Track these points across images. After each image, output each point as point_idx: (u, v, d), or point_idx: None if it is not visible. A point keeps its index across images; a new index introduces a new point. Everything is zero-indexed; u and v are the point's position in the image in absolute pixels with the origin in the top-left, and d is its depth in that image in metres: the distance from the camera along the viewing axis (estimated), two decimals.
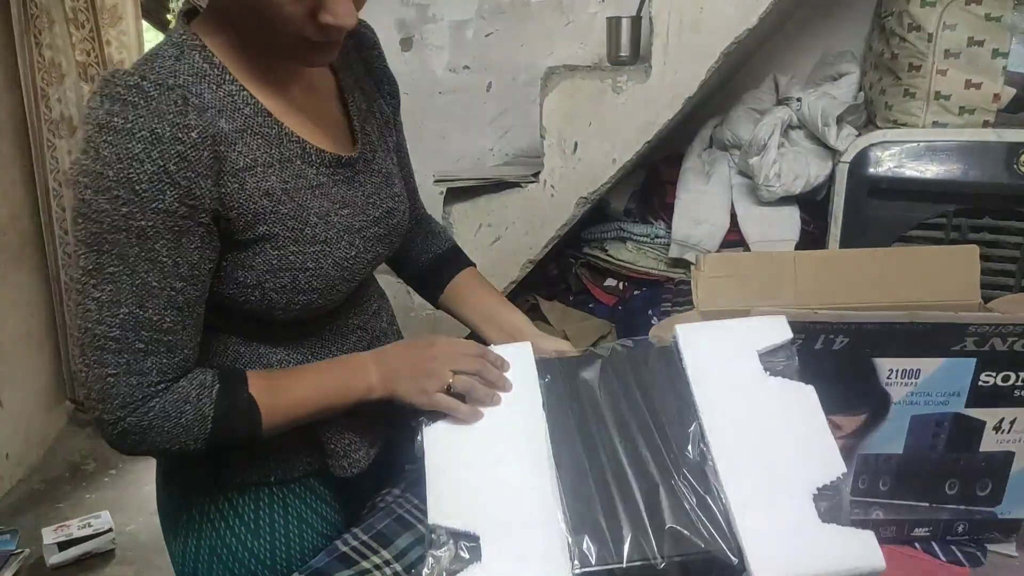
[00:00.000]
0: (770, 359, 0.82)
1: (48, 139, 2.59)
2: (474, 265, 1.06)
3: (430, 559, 0.65)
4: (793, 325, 0.91)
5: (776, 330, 0.85)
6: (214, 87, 0.71)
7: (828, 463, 0.72)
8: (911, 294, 1.04)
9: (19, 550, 2.08)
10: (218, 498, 0.84)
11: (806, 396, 0.79)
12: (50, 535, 2.05)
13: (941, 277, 1.06)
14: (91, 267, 0.66)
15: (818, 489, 0.70)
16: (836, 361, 0.93)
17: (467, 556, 0.65)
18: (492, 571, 0.64)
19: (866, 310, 0.93)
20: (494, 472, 0.72)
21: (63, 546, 2.03)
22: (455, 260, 1.04)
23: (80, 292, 0.67)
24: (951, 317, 0.90)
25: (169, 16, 2.88)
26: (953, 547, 0.95)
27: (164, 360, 0.70)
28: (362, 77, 0.90)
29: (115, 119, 0.64)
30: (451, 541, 0.66)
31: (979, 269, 1.05)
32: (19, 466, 2.54)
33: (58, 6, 2.49)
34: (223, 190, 0.70)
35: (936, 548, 0.95)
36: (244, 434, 0.74)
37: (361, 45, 0.91)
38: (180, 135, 0.65)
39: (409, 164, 1.02)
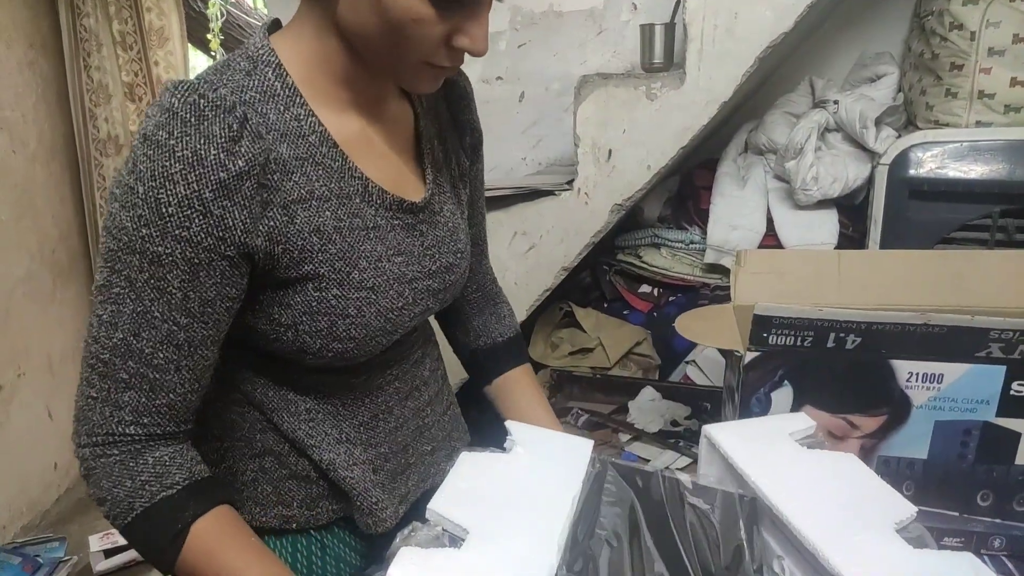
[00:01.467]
0: (804, 440, 0.83)
1: (96, 158, 2.68)
2: (528, 361, 1.01)
3: (410, 528, 0.61)
4: (801, 322, 0.90)
5: (800, 421, 0.85)
6: (281, 108, 0.67)
7: (898, 506, 0.71)
8: (962, 298, 1.01)
9: (67, 557, 2.13)
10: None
11: (851, 459, 0.79)
12: (96, 542, 2.10)
13: (996, 281, 1.03)
14: (102, 283, 0.63)
15: (896, 525, 0.69)
16: (851, 360, 0.92)
17: (446, 543, 0.61)
18: (465, 561, 0.58)
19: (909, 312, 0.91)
20: (510, 512, 0.65)
21: (109, 553, 2.08)
22: (514, 354, 0.99)
23: (92, 305, 0.64)
24: (968, 321, 0.88)
25: (209, 36, 2.95)
26: (990, 562, 0.92)
27: (143, 399, 0.64)
28: (446, 126, 0.86)
29: (161, 132, 0.59)
30: (440, 526, 0.61)
31: None
32: (67, 475, 2.61)
33: (106, 30, 2.59)
34: (271, 223, 0.65)
35: None
36: (154, 555, 0.66)
37: (451, 95, 0.87)
38: (226, 162, 0.60)
39: (482, 222, 0.98)
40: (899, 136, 1.57)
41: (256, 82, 0.66)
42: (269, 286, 0.68)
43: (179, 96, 0.60)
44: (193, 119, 0.60)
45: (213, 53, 3.00)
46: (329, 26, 0.68)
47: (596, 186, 1.67)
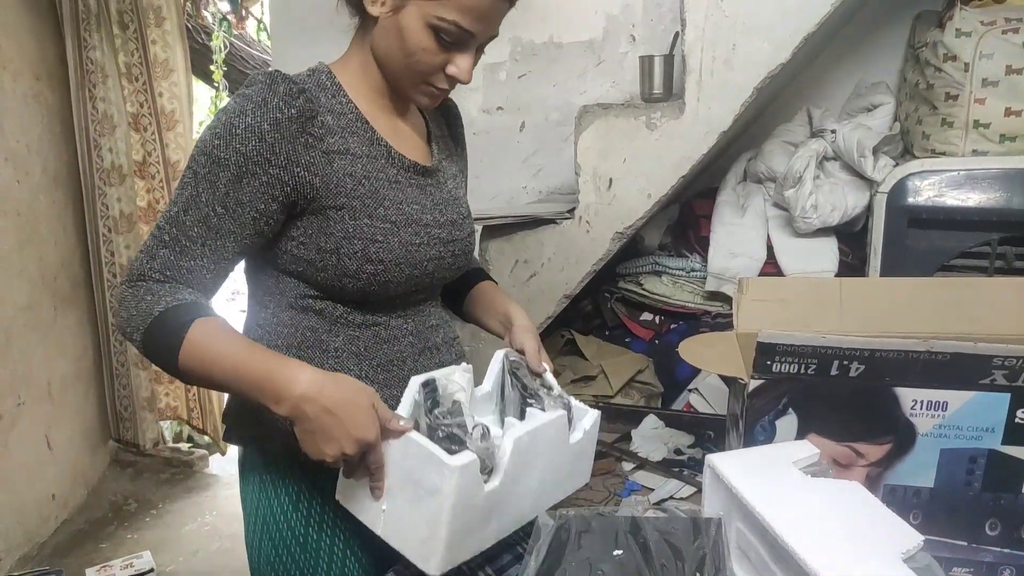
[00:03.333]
0: (808, 469, 0.84)
1: (99, 187, 2.70)
2: (493, 281, 1.19)
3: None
4: (804, 350, 0.90)
5: (804, 449, 0.87)
6: (330, 95, 0.92)
7: (905, 535, 0.71)
8: (966, 326, 1.01)
9: None
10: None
11: (856, 487, 0.79)
12: (94, 575, 2.07)
13: (998, 308, 1.03)
14: (182, 181, 0.86)
15: (904, 554, 0.68)
16: (854, 388, 0.92)
17: None
18: None
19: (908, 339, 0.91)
20: None
21: None
22: (476, 276, 1.18)
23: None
24: (971, 348, 0.88)
25: (212, 67, 3.00)
26: None
27: (171, 257, 0.85)
28: (446, 135, 1.12)
29: (245, 92, 0.85)
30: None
31: None
32: (65, 507, 2.59)
33: (112, 61, 2.62)
34: (311, 160, 0.87)
35: None
36: (165, 357, 0.83)
37: (448, 113, 1.14)
38: (283, 106, 0.85)
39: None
40: (896, 165, 1.59)
41: (314, 81, 0.93)
42: (314, 213, 0.89)
43: (260, 73, 0.88)
44: (267, 81, 0.86)
45: (216, 84, 3.04)
46: (368, 53, 0.95)
47: (597, 214, 1.68)
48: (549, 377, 0.99)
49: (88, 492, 2.75)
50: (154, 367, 2.84)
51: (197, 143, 0.87)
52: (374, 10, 0.90)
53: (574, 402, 0.96)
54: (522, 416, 0.92)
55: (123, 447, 2.96)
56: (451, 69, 0.92)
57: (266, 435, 0.94)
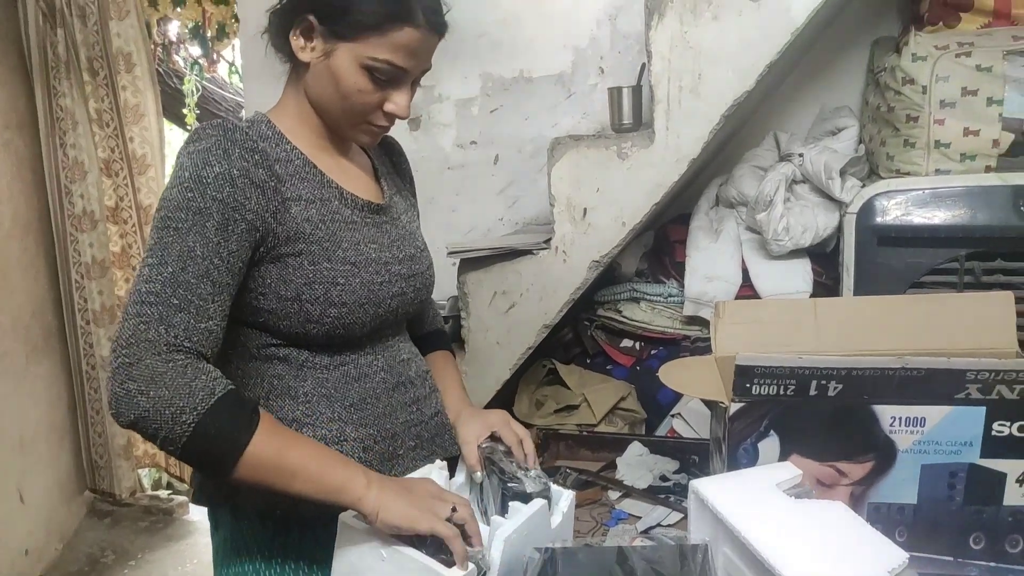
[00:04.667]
0: (792, 491, 0.85)
1: (71, 233, 2.68)
2: (450, 350, 1.21)
3: None
4: (782, 371, 0.91)
5: (786, 471, 0.88)
6: (274, 145, 0.92)
7: (890, 553, 0.71)
8: (940, 341, 1.03)
9: None
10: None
11: (839, 507, 0.80)
12: None
13: (974, 324, 1.05)
14: (152, 244, 0.81)
15: (889, 572, 0.69)
16: (834, 407, 0.93)
17: None
18: None
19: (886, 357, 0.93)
20: None
21: None
22: (432, 342, 1.18)
23: (138, 269, 0.80)
24: (945, 363, 0.89)
25: (185, 110, 3.00)
26: None
27: (191, 321, 0.79)
28: (392, 172, 1.13)
29: (200, 143, 0.84)
30: None
31: (1015, 315, 1.03)
32: (39, 561, 2.51)
33: (82, 108, 2.61)
34: (275, 207, 0.86)
35: None
36: (227, 445, 0.76)
37: (392, 151, 1.15)
38: (247, 156, 0.84)
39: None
40: (863, 186, 1.62)
41: (255, 129, 0.91)
42: (272, 262, 0.87)
43: (203, 126, 0.86)
44: (221, 132, 0.85)
45: (189, 127, 3.04)
46: (303, 98, 0.95)
47: (573, 244, 1.69)
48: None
49: (63, 545, 2.68)
50: None
51: (167, 201, 0.83)
52: (305, 56, 0.90)
53: (552, 485, 0.97)
54: (503, 505, 0.92)
55: (99, 497, 2.89)
56: (389, 106, 0.93)
57: (235, 491, 0.91)
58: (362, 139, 0.98)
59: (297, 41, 0.91)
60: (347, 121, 0.94)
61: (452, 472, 1.01)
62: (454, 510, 0.80)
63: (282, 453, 0.78)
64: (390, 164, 1.14)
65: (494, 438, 1.02)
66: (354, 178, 1.00)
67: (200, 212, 0.81)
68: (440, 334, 1.23)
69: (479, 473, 0.99)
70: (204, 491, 0.97)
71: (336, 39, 0.88)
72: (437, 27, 0.91)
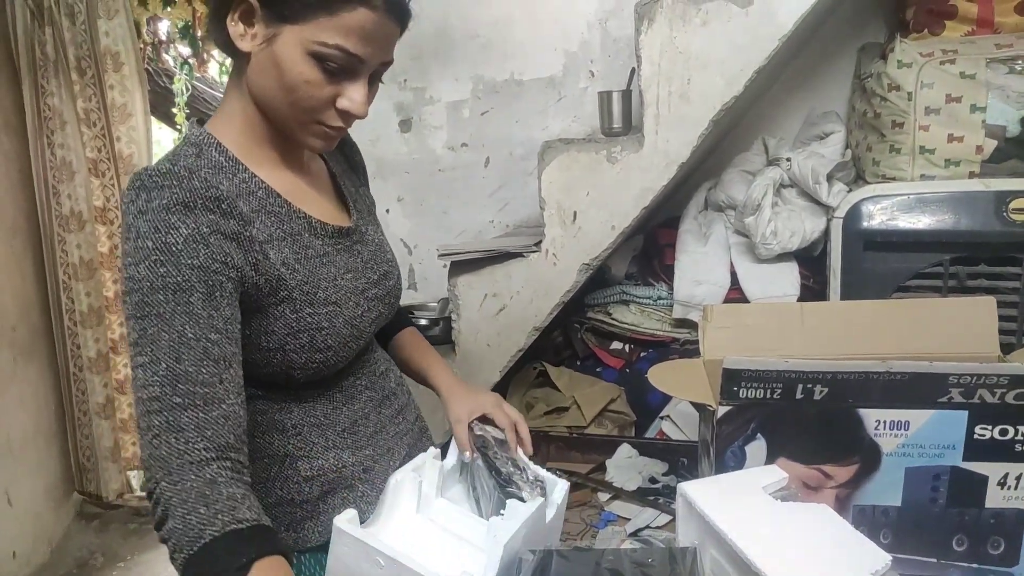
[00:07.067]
0: (778, 493, 0.86)
1: (59, 234, 2.66)
2: (414, 326, 1.18)
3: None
4: (768, 375, 0.93)
5: (772, 474, 0.89)
6: (231, 176, 0.81)
7: (873, 555, 0.73)
8: (924, 346, 1.05)
9: None
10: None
11: (824, 510, 0.81)
12: None
13: (957, 329, 1.07)
14: (136, 336, 0.71)
15: (872, 574, 0.70)
16: (820, 410, 0.94)
17: None
18: None
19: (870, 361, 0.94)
20: None
21: None
22: (400, 322, 1.15)
23: (131, 367, 0.72)
24: (928, 367, 0.91)
25: (174, 110, 2.98)
26: None
27: (200, 414, 0.70)
28: (347, 170, 1.04)
29: (152, 202, 0.72)
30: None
31: (997, 320, 1.05)
32: (27, 565, 2.49)
33: (70, 107, 2.60)
34: (254, 258, 0.78)
35: None
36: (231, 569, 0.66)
37: (344, 144, 1.04)
38: (211, 206, 0.75)
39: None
40: (850, 190, 1.64)
41: (205, 161, 0.80)
42: (254, 313, 0.80)
43: (152, 172, 0.75)
44: (174, 182, 0.74)
45: (179, 127, 3.02)
46: (247, 98, 0.82)
47: (563, 247, 1.70)
48: (521, 455, 0.99)
49: (51, 549, 2.66)
50: (118, 416, 2.78)
51: (136, 282, 0.71)
52: (244, 45, 0.78)
53: (546, 475, 0.96)
54: (501, 503, 0.91)
55: (88, 500, 2.87)
56: (342, 103, 0.79)
57: None
58: (315, 143, 0.84)
59: (236, 27, 0.77)
60: (296, 120, 0.81)
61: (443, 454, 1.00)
62: None
63: None
64: (343, 159, 1.04)
65: (486, 420, 1.00)
66: (315, 199, 0.91)
67: (180, 288, 0.71)
68: (402, 313, 1.17)
69: (468, 453, 0.97)
70: None
71: (279, 22, 0.76)
72: (397, 11, 0.79)
